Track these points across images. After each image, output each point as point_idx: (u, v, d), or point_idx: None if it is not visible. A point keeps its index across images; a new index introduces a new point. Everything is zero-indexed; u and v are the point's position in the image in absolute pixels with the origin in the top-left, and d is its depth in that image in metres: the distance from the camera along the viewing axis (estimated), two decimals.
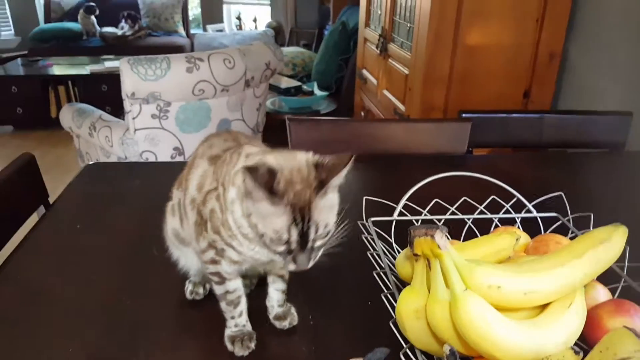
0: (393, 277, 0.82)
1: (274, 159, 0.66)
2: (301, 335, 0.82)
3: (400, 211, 1.02)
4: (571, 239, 0.91)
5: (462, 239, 1.02)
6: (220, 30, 7.12)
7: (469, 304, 0.61)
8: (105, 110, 3.18)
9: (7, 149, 4.64)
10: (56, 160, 4.26)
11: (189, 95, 2.66)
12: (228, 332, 0.80)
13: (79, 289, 0.94)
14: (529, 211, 1.05)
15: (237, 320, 0.80)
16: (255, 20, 7.29)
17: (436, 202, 1.07)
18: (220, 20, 7.32)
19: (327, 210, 0.66)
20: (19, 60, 5.53)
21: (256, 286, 0.91)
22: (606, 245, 0.70)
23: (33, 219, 1.23)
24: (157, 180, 1.37)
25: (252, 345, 0.78)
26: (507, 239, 0.81)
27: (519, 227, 1.02)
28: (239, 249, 0.72)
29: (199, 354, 0.80)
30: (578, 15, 2.23)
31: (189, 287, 0.90)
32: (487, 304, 0.62)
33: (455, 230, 1.03)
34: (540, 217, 1.03)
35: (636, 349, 0.56)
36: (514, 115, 1.80)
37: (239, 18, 7.33)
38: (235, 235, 0.71)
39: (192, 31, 7.14)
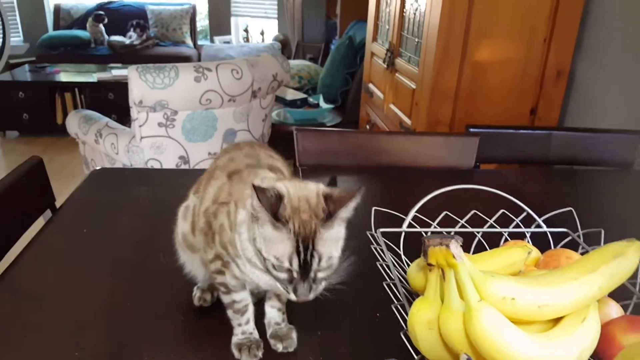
0: (403, 289, 0.81)
1: (285, 186, 0.67)
2: (308, 345, 0.81)
3: (409, 223, 1.02)
4: (582, 254, 0.90)
5: (471, 253, 1.01)
6: (228, 42, 7.16)
7: (483, 314, 0.60)
8: (111, 118, 3.18)
9: (12, 154, 4.66)
10: (61, 166, 4.26)
11: (196, 105, 2.66)
12: (235, 339, 0.79)
13: (85, 293, 0.93)
14: (538, 226, 1.04)
15: (244, 327, 0.79)
16: (262, 33, 7.33)
17: (446, 214, 1.06)
18: (227, 32, 7.36)
19: (331, 243, 0.66)
20: (26, 66, 5.57)
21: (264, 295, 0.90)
22: (621, 259, 0.69)
23: (39, 223, 1.23)
24: (164, 187, 1.38)
25: (260, 353, 0.78)
26: (518, 252, 0.80)
27: (528, 242, 1.01)
28: (242, 268, 0.72)
29: None
30: (586, 34, 2.24)
31: (197, 293, 0.89)
32: (501, 315, 0.61)
33: (465, 244, 1.01)
34: (550, 232, 1.02)
35: None
36: (522, 131, 1.80)
37: (246, 30, 7.37)
38: (240, 255, 0.71)
39: (199, 42, 7.19)
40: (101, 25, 6.57)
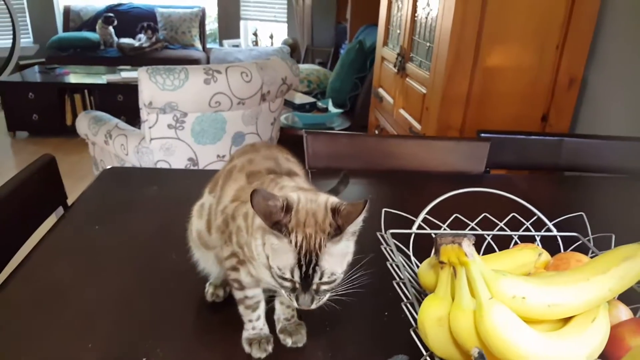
0: (413, 289, 0.82)
1: (298, 197, 0.67)
2: (317, 340, 0.82)
3: (419, 225, 1.02)
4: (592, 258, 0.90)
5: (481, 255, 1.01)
6: (237, 46, 7.19)
7: (494, 312, 0.60)
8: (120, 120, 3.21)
9: (22, 154, 4.70)
10: (70, 167, 4.29)
11: (206, 107, 2.68)
12: (245, 334, 0.80)
13: (97, 289, 0.94)
14: (549, 230, 1.04)
15: (255, 323, 0.80)
16: (271, 37, 7.36)
17: (455, 217, 1.06)
18: (237, 35, 7.39)
19: (336, 259, 0.66)
20: (36, 67, 5.62)
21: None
22: (631, 262, 0.69)
23: (51, 220, 1.24)
24: (175, 186, 1.39)
25: (270, 348, 0.79)
26: (529, 254, 0.81)
27: (538, 245, 1.01)
28: (257, 269, 0.74)
29: (217, 356, 0.80)
30: (599, 42, 2.24)
31: (209, 289, 0.90)
32: (512, 313, 0.61)
33: (475, 246, 1.02)
34: (561, 236, 1.03)
35: None
36: (533, 137, 1.80)
37: (255, 34, 7.40)
38: (255, 258, 0.72)
39: (208, 45, 7.23)
40: (111, 28, 6.62)
